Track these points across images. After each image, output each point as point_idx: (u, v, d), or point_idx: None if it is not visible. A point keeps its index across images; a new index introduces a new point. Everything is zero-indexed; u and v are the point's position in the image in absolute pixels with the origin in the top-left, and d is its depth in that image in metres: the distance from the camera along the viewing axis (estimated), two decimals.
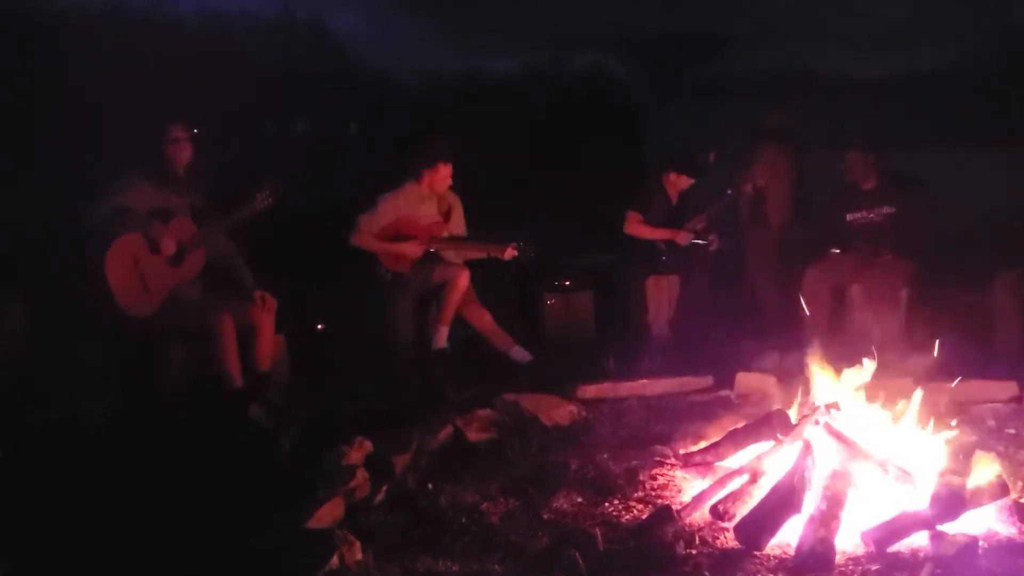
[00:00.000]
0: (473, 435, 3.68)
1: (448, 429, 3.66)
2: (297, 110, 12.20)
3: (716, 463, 3.24)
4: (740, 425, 3.36)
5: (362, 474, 3.07)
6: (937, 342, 3.83)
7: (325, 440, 3.42)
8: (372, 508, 2.99)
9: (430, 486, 3.15)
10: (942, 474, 2.74)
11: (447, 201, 5.30)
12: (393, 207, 5.16)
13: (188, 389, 4.25)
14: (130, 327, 4.05)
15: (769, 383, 4.10)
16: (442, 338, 5.11)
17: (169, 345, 4.25)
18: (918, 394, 3.14)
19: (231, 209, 4.38)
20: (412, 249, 5.15)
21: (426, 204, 5.23)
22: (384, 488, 3.09)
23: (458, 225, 5.35)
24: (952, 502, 2.61)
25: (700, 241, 5.54)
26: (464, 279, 5.11)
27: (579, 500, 3.05)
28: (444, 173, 5.16)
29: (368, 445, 3.33)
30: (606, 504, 3.02)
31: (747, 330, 5.26)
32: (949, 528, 2.59)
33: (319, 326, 5.21)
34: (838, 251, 5.18)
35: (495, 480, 3.22)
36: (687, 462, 3.29)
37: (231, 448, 3.62)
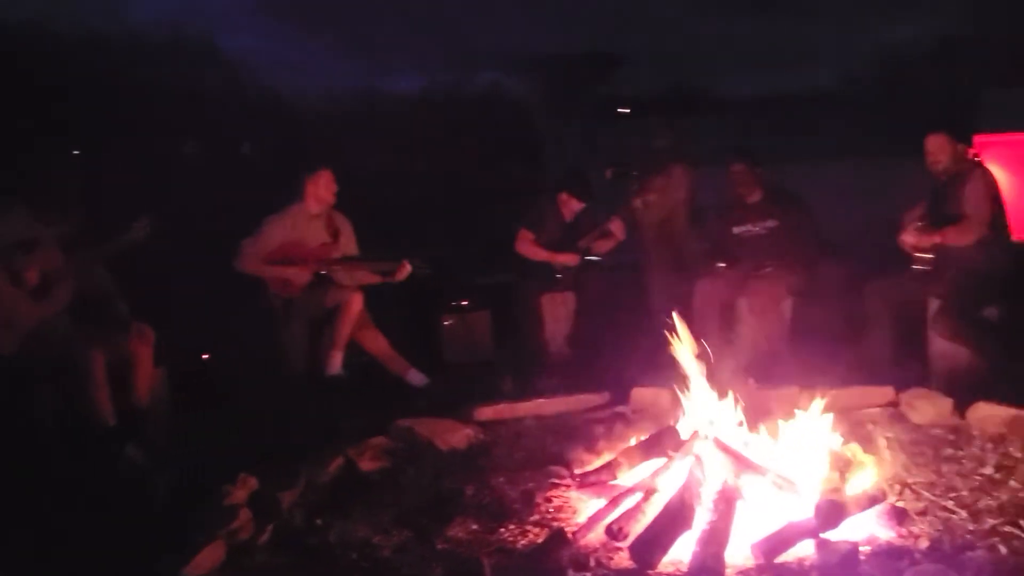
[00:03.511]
0: (366, 465, 3.57)
1: (339, 460, 3.54)
2: (186, 132, 11.81)
3: (611, 482, 3.24)
4: (634, 442, 3.38)
5: (245, 514, 2.93)
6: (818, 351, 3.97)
7: (209, 479, 3.26)
8: (257, 549, 2.85)
9: (319, 522, 3.03)
10: (823, 483, 2.81)
11: (335, 223, 5.18)
12: (279, 230, 5.00)
13: (60, 429, 3.99)
14: None
15: (664, 398, 4.15)
16: (336, 364, 4.97)
17: (37, 383, 3.97)
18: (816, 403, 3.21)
19: (106, 238, 4.17)
20: (299, 275, 4.99)
21: (313, 225, 5.09)
22: (270, 527, 2.95)
23: (348, 247, 5.23)
24: (833, 510, 2.67)
25: (593, 258, 5.58)
26: (357, 302, 5.00)
27: (475, 527, 2.99)
28: (325, 180, 5.05)
29: (253, 482, 3.19)
30: (502, 530, 2.96)
31: (644, 345, 5.33)
32: (832, 536, 2.65)
33: (204, 356, 4.98)
34: (724, 265, 5.31)
35: (388, 511, 3.12)
36: (582, 482, 3.27)
37: (105, 492, 3.40)
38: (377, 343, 5.12)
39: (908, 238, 4.55)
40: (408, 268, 5.08)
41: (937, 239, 4.45)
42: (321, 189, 5.04)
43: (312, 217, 5.09)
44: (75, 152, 4.97)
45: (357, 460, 3.57)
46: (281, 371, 5.01)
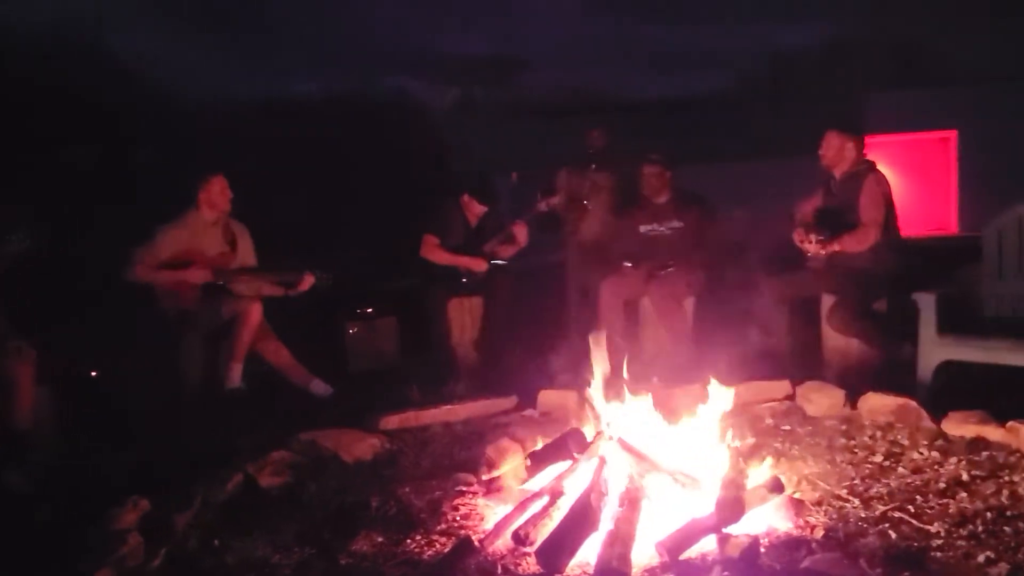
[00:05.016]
0: (266, 481, 3.44)
1: (238, 477, 3.40)
2: (73, 137, 11.25)
3: (518, 487, 3.22)
4: (540, 445, 3.37)
5: (135, 539, 2.77)
6: (718, 348, 4.05)
7: (97, 504, 3.08)
8: (148, 575, 2.71)
9: (216, 543, 2.89)
10: (724, 479, 2.86)
11: (232, 231, 5.00)
12: (173, 238, 4.80)
13: None
14: None
15: (571, 399, 4.17)
16: (235, 376, 4.80)
17: None
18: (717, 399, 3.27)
19: None
20: (196, 274, 4.79)
21: (210, 234, 4.90)
22: (162, 551, 2.81)
23: (247, 255, 5.06)
24: (733, 505, 2.72)
25: (499, 262, 5.56)
26: (256, 312, 4.84)
27: (380, 540, 2.91)
28: (219, 187, 4.88)
29: (145, 504, 3.02)
30: (408, 541, 2.90)
31: (552, 347, 5.35)
32: (733, 530, 2.70)
33: (92, 373, 4.72)
34: (630, 265, 5.38)
35: (290, 528, 3.01)
36: (489, 488, 3.24)
37: None
38: (278, 353, 4.97)
39: (809, 248, 4.67)
40: (311, 280, 4.95)
41: (836, 248, 4.61)
42: (214, 196, 4.86)
43: (208, 225, 4.91)
44: None
45: (257, 476, 3.44)
46: (177, 385, 4.79)
